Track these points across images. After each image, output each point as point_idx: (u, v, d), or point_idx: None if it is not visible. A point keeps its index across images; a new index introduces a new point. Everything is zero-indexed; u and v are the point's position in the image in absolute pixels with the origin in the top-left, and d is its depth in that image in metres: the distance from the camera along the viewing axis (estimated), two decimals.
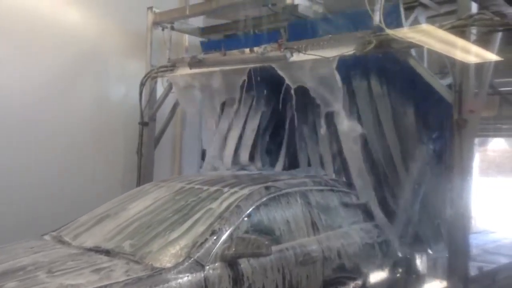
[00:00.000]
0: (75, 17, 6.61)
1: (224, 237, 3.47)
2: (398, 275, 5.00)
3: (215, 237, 3.44)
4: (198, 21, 7.45)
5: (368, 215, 4.96)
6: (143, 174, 6.76)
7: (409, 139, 5.15)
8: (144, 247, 3.47)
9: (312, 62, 4.94)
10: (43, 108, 6.18)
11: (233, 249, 3.37)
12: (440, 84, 4.54)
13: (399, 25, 4.63)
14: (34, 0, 6.17)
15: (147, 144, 6.90)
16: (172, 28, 6.88)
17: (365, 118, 5.22)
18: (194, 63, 5.73)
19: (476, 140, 10.00)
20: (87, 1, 6.70)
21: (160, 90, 6.93)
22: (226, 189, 4.03)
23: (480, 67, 4.48)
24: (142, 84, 6.77)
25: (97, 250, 3.53)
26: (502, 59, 4.55)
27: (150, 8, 6.88)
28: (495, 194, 12.18)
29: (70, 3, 6.54)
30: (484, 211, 10.16)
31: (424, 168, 5.13)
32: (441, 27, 4.16)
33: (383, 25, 4.25)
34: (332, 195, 4.73)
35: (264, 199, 3.96)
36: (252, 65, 5.44)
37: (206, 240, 3.41)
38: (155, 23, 6.87)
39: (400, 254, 4.99)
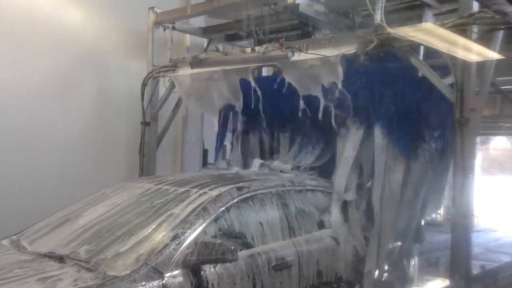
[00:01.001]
0: (76, 18, 6.63)
1: (187, 242, 3.28)
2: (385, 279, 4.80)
3: (177, 242, 3.25)
4: (200, 21, 7.45)
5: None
6: (145, 174, 6.76)
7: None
8: (100, 254, 3.26)
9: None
10: (44, 109, 6.20)
11: (196, 255, 3.18)
12: (442, 83, 4.53)
13: None
14: (35, 1, 6.18)
15: (149, 144, 6.91)
16: (174, 28, 6.89)
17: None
18: (196, 63, 5.73)
19: (478, 139, 10.00)
20: (88, 1, 6.72)
21: (162, 90, 6.94)
22: (194, 190, 3.83)
23: (482, 66, 4.47)
24: (144, 84, 6.78)
25: (51, 256, 3.33)
26: (504, 57, 4.54)
27: (152, 8, 6.89)
28: (497, 193, 12.16)
29: (71, 3, 6.55)
30: (486, 209, 10.15)
31: (426, 168, 5.09)
32: (442, 25, 4.16)
33: (384, 24, 4.26)
34: (313, 195, 4.54)
35: (235, 200, 3.77)
36: (253, 65, 5.45)
37: (166, 245, 3.22)
38: (157, 23, 6.87)
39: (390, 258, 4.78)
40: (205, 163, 8.08)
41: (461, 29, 4.18)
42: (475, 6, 4.21)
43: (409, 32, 4.08)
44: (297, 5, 5.43)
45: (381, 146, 4.89)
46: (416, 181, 4.95)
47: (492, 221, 9.86)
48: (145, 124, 6.87)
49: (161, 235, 3.34)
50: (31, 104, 6.07)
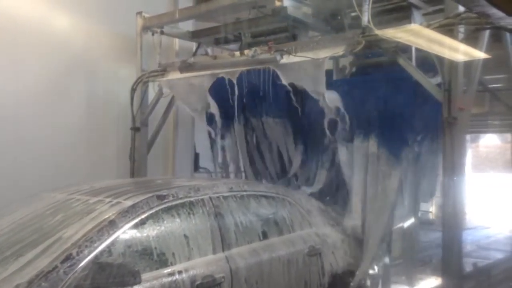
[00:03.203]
0: (64, 24, 6.60)
1: (82, 263, 2.78)
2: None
3: (69, 264, 2.75)
4: (188, 25, 7.44)
5: (308, 220, 4.39)
6: None
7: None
8: None
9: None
10: (34, 115, 6.16)
11: (90, 279, 2.71)
12: (430, 83, 4.56)
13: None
14: (23, 7, 6.15)
15: (140, 149, 6.88)
16: (162, 33, 6.87)
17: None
18: (185, 67, 5.73)
19: (468, 137, 10.08)
20: (76, 7, 6.68)
21: (151, 95, 6.92)
22: (108, 200, 3.35)
23: (469, 65, 4.51)
24: (133, 89, 6.76)
25: None
26: (490, 56, 4.58)
27: (140, 12, 6.87)
28: (488, 190, 12.25)
29: (59, 9, 6.52)
30: (478, 207, 10.22)
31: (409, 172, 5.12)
32: (428, 26, 4.19)
33: (371, 26, 4.28)
34: (256, 202, 4.06)
35: (154, 210, 3.28)
36: (242, 68, 5.45)
37: (55, 268, 2.70)
38: (145, 28, 6.85)
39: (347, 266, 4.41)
40: (196, 167, 8.08)
41: (448, 29, 4.21)
42: (461, 7, 4.24)
43: (396, 33, 4.10)
44: (285, 8, 5.45)
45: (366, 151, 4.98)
46: (400, 185, 4.98)
47: (483, 219, 9.93)
48: (135, 129, 6.85)
49: (51, 257, 2.79)
50: (21, 110, 6.03)
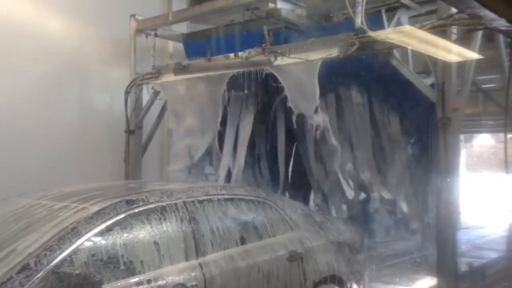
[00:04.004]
0: (57, 27, 6.58)
1: (40, 274, 2.64)
2: None
3: (24, 275, 2.61)
4: (182, 27, 7.44)
5: (290, 223, 4.19)
6: None
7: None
8: None
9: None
10: (28, 118, 6.13)
11: None
12: (423, 84, 4.58)
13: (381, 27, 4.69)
14: (16, 11, 6.13)
15: (134, 152, 6.86)
16: (156, 35, 6.87)
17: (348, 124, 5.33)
18: (179, 69, 5.73)
19: (462, 137, 10.10)
20: (70, 10, 6.67)
21: (146, 98, 6.91)
22: (73, 206, 3.20)
23: (462, 66, 4.54)
24: (127, 92, 6.75)
25: None
26: (483, 57, 4.61)
27: (133, 15, 6.86)
28: (482, 189, 12.29)
29: (53, 13, 6.50)
30: (472, 206, 10.25)
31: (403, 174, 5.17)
32: (422, 27, 4.21)
33: (365, 27, 4.29)
34: (235, 206, 3.90)
35: (121, 216, 3.12)
36: (236, 70, 5.46)
37: (10, 279, 2.57)
38: (139, 30, 6.85)
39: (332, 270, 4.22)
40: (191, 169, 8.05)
41: (441, 30, 4.23)
42: (454, 8, 4.27)
43: (389, 35, 4.12)
44: (279, 10, 5.46)
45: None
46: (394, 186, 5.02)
47: (478, 218, 9.95)
48: (129, 132, 6.84)
49: (7, 267, 2.65)
50: (15, 113, 6.01)
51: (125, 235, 3.10)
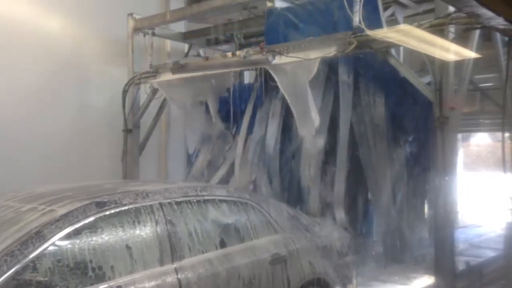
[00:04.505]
0: (55, 26, 6.57)
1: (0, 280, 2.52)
2: None
3: None
4: (180, 26, 7.43)
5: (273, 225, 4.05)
6: None
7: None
8: None
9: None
10: (25, 117, 6.12)
11: None
12: (421, 83, 4.58)
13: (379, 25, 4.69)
14: (14, 10, 6.12)
15: (132, 151, 6.86)
16: (153, 34, 6.86)
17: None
18: (177, 68, 5.71)
19: (460, 136, 10.12)
20: (67, 10, 6.65)
21: (143, 97, 6.90)
22: (41, 208, 3.04)
23: (460, 65, 4.54)
24: (125, 91, 6.74)
25: None
26: (481, 55, 4.61)
27: (131, 14, 6.85)
28: (480, 188, 12.31)
29: (50, 12, 6.49)
30: (470, 205, 10.27)
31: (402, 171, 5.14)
32: (419, 26, 4.21)
33: (363, 26, 4.29)
34: (215, 208, 3.76)
35: (91, 219, 2.97)
36: (234, 69, 5.46)
37: None
38: (136, 29, 6.84)
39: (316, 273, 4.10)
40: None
41: (439, 29, 4.23)
42: (452, 7, 4.27)
43: (387, 34, 4.12)
44: (277, 9, 5.46)
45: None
46: (392, 185, 5.00)
47: (475, 217, 9.97)
48: (127, 131, 6.83)
49: None
50: (13, 112, 6.00)
51: (95, 239, 2.94)
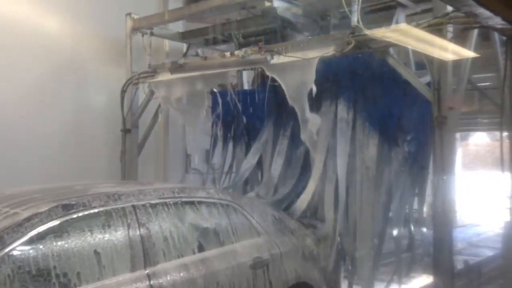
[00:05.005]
0: (54, 26, 6.57)
1: None
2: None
3: None
4: (178, 26, 7.43)
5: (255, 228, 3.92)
6: None
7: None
8: None
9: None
10: (24, 118, 6.12)
11: None
12: (419, 83, 4.59)
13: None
14: (12, 10, 6.11)
15: (130, 151, 6.85)
16: (152, 34, 6.85)
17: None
18: (175, 68, 5.70)
19: (458, 135, 10.14)
20: (66, 9, 6.65)
21: (142, 97, 6.89)
22: (4, 210, 2.90)
23: (458, 64, 4.54)
24: (123, 91, 6.74)
25: None
26: (479, 55, 4.62)
27: (129, 14, 6.84)
28: (478, 188, 12.34)
29: (48, 12, 6.48)
30: (468, 204, 10.29)
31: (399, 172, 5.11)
32: (418, 25, 4.21)
33: (361, 26, 4.30)
34: (193, 210, 3.59)
35: (56, 222, 2.82)
36: (233, 69, 5.45)
37: None
38: (134, 29, 6.83)
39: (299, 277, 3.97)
40: (188, 169, 8.06)
41: (437, 28, 4.24)
42: (450, 6, 4.28)
43: (385, 33, 4.12)
44: (275, 8, 5.46)
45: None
46: (390, 185, 4.98)
47: (474, 216, 10.00)
48: (126, 131, 6.82)
49: None
50: (11, 113, 5.99)
51: (60, 244, 2.79)
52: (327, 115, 5.11)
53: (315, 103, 5.05)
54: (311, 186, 4.98)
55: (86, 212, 2.99)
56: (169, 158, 7.82)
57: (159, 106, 6.79)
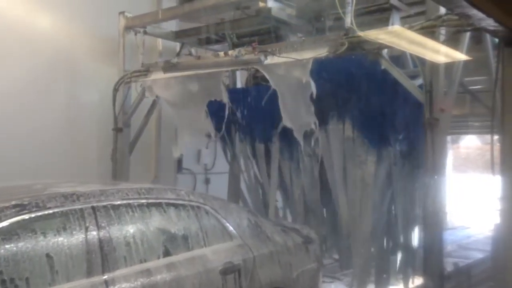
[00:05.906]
0: (46, 24, 6.52)
1: None
2: None
3: None
4: (171, 25, 7.40)
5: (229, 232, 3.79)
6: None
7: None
8: None
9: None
10: (14, 115, 6.07)
11: None
12: (411, 84, 4.61)
13: None
14: (4, 8, 6.06)
15: (122, 151, 6.81)
16: (145, 33, 6.82)
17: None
18: (168, 67, 5.69)
19: (449, 138, 10.18)
20: (58, 7, 6.61)
21: (134, 95, 6.86)
22: None
23: (450, 67, 4.57)
24: (116, 90, 6.70)
25: None
26: (471, 58, 4.65)
27: (122, 12, 6.81)
28: (469, 190, 12.41)
29: (41, 10, 6.44)
30: (459, 207, 10.35)
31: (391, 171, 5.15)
32: (411, 28, 4.24)
33: (354, 27, 4.31)
34: (161, 212, 3.43)
35: (5, 224, 2.65)
36: (226, 68, 5.45)
37: None
38: (128, 28, 6.80)
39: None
40: (180, 169, 8.04)
41: (429, 31, 4.26)
42: (443, 9, 4.30)
43: (379, 35, 4.14)
44: (269, 9, 5.46)
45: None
46: (382, 184, 5.01)
47: (464, 219, 10.06)
48: (117, 130, 6.78)
49: None
50: (2, 110, 5.94)
51: (8, 247, 2.61)
52: (336, 133, 5.23)
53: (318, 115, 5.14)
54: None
55: (39, 213, 2.80)
56: (160, 158, 7.80)
57: (152, 104, 6.77)
